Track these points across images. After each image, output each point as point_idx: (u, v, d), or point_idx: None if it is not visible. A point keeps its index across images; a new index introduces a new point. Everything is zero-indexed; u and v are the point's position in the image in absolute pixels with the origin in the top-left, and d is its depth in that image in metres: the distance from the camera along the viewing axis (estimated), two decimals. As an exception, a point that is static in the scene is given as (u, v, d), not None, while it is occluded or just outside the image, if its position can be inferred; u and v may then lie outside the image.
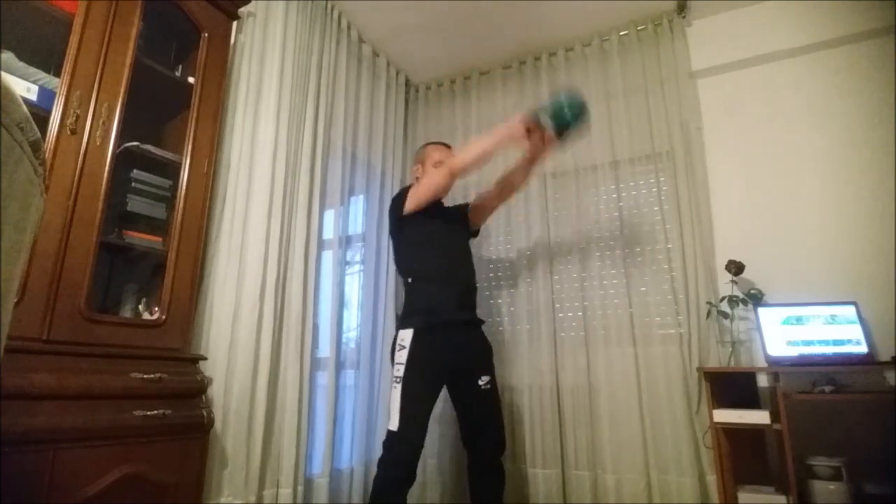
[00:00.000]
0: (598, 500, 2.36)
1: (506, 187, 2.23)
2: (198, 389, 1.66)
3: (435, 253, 2.08)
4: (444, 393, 2.06)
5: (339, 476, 2.36)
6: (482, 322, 2.13)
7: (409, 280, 2.08)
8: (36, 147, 0.50)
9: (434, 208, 2.13)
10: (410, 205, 2.06)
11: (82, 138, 1.50)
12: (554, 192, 2.88)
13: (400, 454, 1.82)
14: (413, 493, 2.66)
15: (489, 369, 2.05)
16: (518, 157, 2.14)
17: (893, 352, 2.05)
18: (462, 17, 2.82)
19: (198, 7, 1.92)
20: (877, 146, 2.33)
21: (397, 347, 1.95)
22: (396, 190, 3.06)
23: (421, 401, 1.88)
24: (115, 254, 1.75)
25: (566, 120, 1.76)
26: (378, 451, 1.87)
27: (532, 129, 1.85)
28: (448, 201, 2.34)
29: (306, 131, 2.38)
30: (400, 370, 1.89)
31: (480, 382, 2.00)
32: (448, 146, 2.32)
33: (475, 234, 2.36)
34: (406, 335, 1.93)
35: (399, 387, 1.87)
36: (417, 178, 2.25)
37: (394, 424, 1.84)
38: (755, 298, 2.26)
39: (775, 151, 2.52)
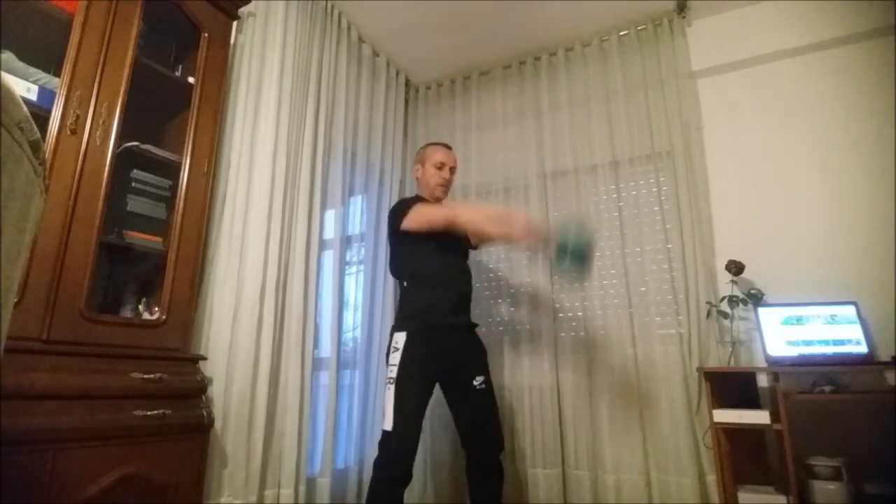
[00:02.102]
0: (598, 499, 2.36)
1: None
2: (198, 389, 1.67)
3: (432, 259, 2.07)
4: (441, 394, 2.07)
5: (338, 476, 2.36)
6: (476, 326, 2.13)
7: (405, 284, 2.10)
8: (36, 147, 0.50)
9: None
10: (407, 226, 2.03)
11: (82, 138, 1.50)
12: (554, 192, 2.88)
13: (395, 453, 1.82)
14: (413, 494, 2.67)
15: (483, 370, 2.06)
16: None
17: (893, 352, 2.05)
18: (462, 17, 2.82)
19: (198, 7, 1.92)
20: (877, 146, 2.33)
21: (391, 349, 1.96)
22: (396, 190, 3.07)
23: (415, 400, 1.90)
24: (115, 254, 1.75)
25: (565, 263, 1.66)
26: (374, 452, 1.86)
27: (534, 239, 1.80)
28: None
29: (306, 131, 2.38)
30: (393, 371, 1.90)
31: (475, 382, 2.01)
32: (449, 147, 2.29)
33: (475, 246, 2.31)
34: (400, 338, 1.95)
35: (392, 387, 1.88)
36: (417, 178, 2.25)
37: (388, 424, 1.84)
38: (755, 298, 2.26)
39: (775, 151, 2.52)
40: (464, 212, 2.03)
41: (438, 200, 2.22)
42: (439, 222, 1.97)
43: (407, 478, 1.83)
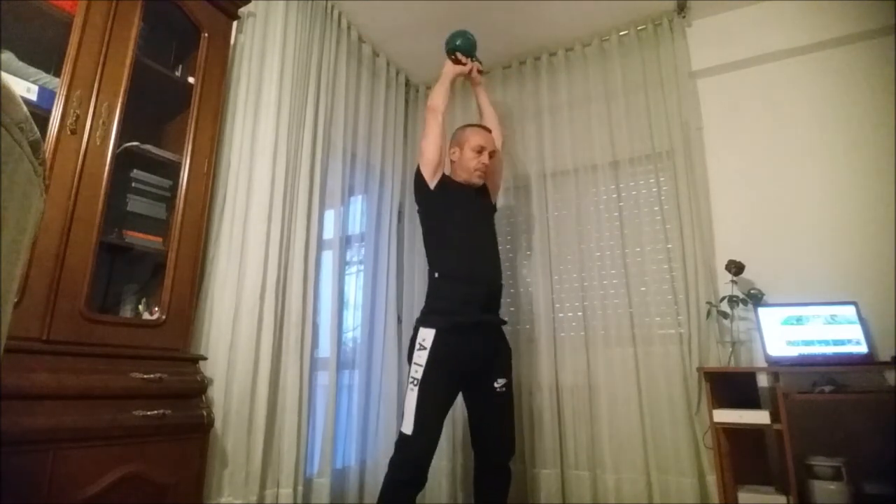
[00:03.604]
0: (597, 500, 2.36)
1: (487, 121, 2.39)
2: (198, 389, 1.67)
3: (463, 247, 2.03)
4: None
5: (337, 476, 2.36)
6: (504, 322, 2.09)
7: (436, 275, 2.03)
8: (36, 147, 0.50)
9: (456, 193, 2.14)
10: (428, 171, 2.07)
11: (82, 138, 1.50)
12: (554, 192, 2.88)
13: (411, 458, 1.79)
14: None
15: (507, 372, 2.02)
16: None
17: (893, 352, 2.05)
18: (462, 18, 2.82)
19: (198, 7, 1.92)
20: (877, 146, 2.33)
21: (417, 346, 1.88)
22: (396, 190, 3.06)
23: (437, 405, 1.85)
24: (115, 254, 1.75)
25: (457, 44, 2.40)
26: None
27: (455, 59, 2.38)
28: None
29: (306, 131, 2.38)
30: (419, 372, 1.84)
31: (496, 385, 1.96)
32: (488, 129, 2.26)
33: (494, 208, 2.32)
34: (428, 334, 1.87)
35: (416, 389, 1.82)
36: (453, 161, 2.21)
37: (408, 428, 1.79)
38: (755, 298, 2.26)
39: (775, 151, 2.52)
40: (431, 100, 2.23)
41: (470, 183, 2.16)
42: (434, 124, 2.13)
43: (421, 482, 1.81)
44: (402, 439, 1.82)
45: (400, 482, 1.79)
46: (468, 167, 2.14)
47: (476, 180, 2.15)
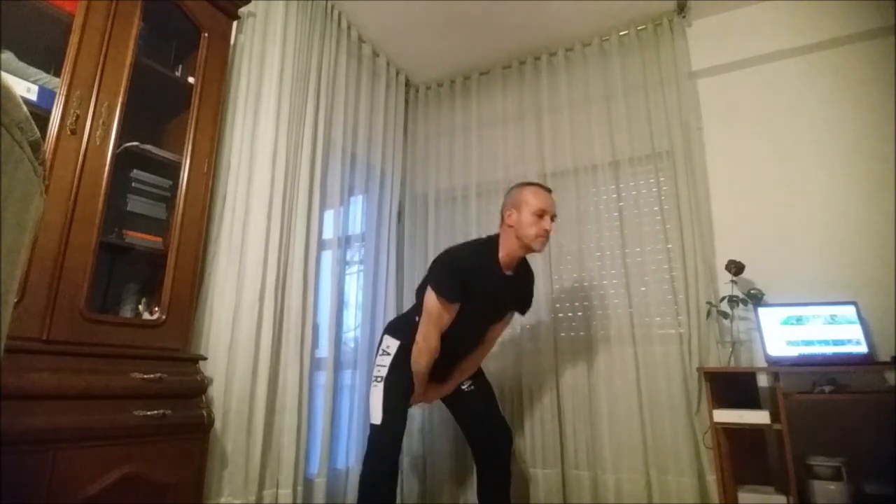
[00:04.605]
0: (597, 499, 2.36)
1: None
2: (198, 389, 1.67)
3: (456, 323, 1.89)
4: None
5: (336, 476, 2.36)
6: None
7: (417, 319, 1.93)
8: (36, 147, 0.50)
9: (481, 291, 1.88)
10: (424, 307, 1.88)
11: (82, 138, 1.50)
12: (554, 192, 2.86)
13: (385, 446, 1.83)
14: (412, 494, 2.67)
15: (471, 375, 2.09)
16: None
17: (893, 352, 2.05)
18: (462, 17, 2.82)
19: (198, 7, 1.92)
20: (877, 146, 2.33)
21: (381, 352, 1.97)
22: (396, 190, 3.06)
23: (402, 395, 1.91)
24: (115, 254, 1.75)
25: None
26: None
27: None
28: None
29: (306, 131, 2.38)
30: (382, 371, 1.92)
31: (463, 387, 2.05)
32: (549, 190, 1.95)
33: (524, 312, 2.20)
34: (392, 343, 1.95)
35: (381, 384, 1.89)
36: (510, 226, 1.89)
37: (377, 419, 1.85)
38: (755, 298, 2.25)
39: (775, 151, 2.52)
40: (416, 363, 1.90)
41: (530, 251, 1.90)
42: (420, 352, 1.88)
43: (396, 470, 1.85)
44: (373, 431, 1.86)
45: (380, 472, 1.81)
46: (527, 234, 1.84)
47: (537, 248, 1.87)
